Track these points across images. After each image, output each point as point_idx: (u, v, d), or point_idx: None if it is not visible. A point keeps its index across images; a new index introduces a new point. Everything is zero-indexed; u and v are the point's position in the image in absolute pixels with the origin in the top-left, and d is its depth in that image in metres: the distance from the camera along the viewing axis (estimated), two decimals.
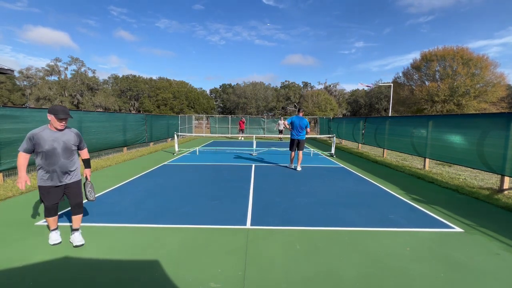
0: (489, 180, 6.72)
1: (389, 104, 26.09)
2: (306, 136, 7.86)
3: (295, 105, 50.74)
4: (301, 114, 7.84)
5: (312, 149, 13.21)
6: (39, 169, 2.84)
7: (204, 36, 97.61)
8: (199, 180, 6.36)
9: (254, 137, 12.56)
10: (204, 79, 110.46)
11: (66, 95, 48.61)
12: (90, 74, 53.01)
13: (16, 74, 47.42)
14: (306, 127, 7.61)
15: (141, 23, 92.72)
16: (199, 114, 47.97)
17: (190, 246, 3.10)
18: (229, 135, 21.64)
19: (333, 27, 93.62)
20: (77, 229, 3.06)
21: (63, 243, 3.06)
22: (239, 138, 20.05)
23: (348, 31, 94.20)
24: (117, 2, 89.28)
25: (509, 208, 4.64)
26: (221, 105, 63.85)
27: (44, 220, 3.51)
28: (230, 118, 24.02)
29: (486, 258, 2.95)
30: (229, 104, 55.05)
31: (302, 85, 60.09)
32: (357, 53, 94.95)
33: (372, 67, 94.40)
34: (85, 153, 3.18)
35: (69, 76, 51.18)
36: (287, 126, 7.84)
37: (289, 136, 8.02)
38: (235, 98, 52.89)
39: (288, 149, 8.21)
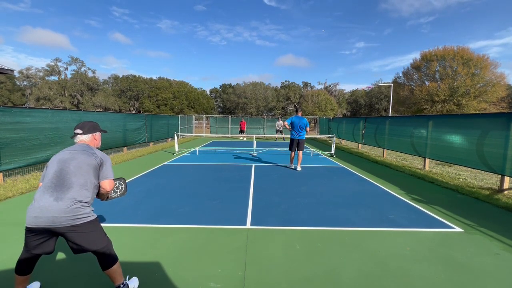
0: (489, 180, 6.72)
1: (389, 104, 26.09)
2: (306, 135, 7.87)
3: (295, 105, 50.72)
4: (299, 114, 7.86)
5: (312, 149, 13.21)
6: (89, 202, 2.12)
7: (205, 36, 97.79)
8: (199, 180, 6.36)
9: (254, 137, 12.57)
10: (201, 80, 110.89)
11: (66, 95, 48.60)
12: (90, 74, 53.05)
13: (16, 74, 47.42)
14: (306, 127, 7.63)
15: (143, 24, 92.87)
16: (199, 114, 47.96)
17: (190, 246, 3.10)
18: (229, 135, 21.65)
19: (334, 28, 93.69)
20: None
21: (61, 243, 3.04)
22: (241, 138, 20.07)
23: (349, 32, 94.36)
24: (119, 2, 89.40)
25: (509, 208, 4.64)
26: (221, 105, 63.82)
27: None
28: (230, 118, 24.03)
29: (486, 258, 2.95)
30: (229, 104, 55.01)
31: (302, 85, 60.10)
32: (358, 53, 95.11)
33: (372, 67, 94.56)
34: None
35: (69, 76, 51.22)
36: (287, 127, 7.86)
37: (289, 136, 8.03)
38: (235, 98, 52.86)
39: (288, 149, 8.22)
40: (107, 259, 2.07)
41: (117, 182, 2.52)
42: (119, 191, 2.56)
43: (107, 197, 2.36)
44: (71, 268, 2.63)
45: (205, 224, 3.72)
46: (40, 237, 1.94)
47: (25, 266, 2.03)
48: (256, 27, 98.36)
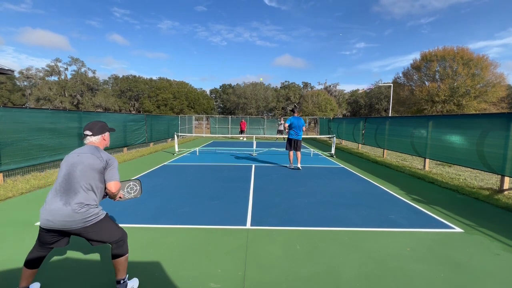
0: (489, 180, 6.72)
1: (389, 105, 26.10)
2: (303, 135, 7.97)
3: (295, 105, 50.77)
4: (296, 114, 7.94)
5: (312, 150, 13.21)
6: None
7: (206, 37, 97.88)
8: (199, 180, 6.36)
9: (254, 137, 12.57)
10: (201, 80, 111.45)
11: (66, 95, 48.58)
12: (90, 75, 53.04)
13: (16, 74, 47.41)
14: (303, 126, 7.77)
15: (143, 24, 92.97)
16: (199, 114, 47.94)
17: (190, 246, 3.10)
18: (230, 136, 21.65)
19: (334, 28, 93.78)
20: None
21: None
22: (241, 139, 20.07)
23: (349, 32, 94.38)
24: (120, 3, 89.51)
25: (509, 208, 4.64)
26: (221, 105, 63.82)
27: None
28: (230, 118, 24.02)
29: (486, 258, 2.95)
30: (229, 105, 54.97)
31: (302, 86, 60.11)
32: (358, 53, 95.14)
33: (372, 68, 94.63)
34: None
35: (69, 76, 51.20)
36: (286, 130, 7.97)
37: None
38: (235, 99, 52.82)
39: (285, 149, 8.26)
40: (120, 249, 2.18)
41: (131, 183, 2.60)
42: (134, 192, 2.62)
43: (120, 197, 2.41)
44: (71, 268, 2.63)
45: (205, 224, 3.72)
46: (54, 235, 2.05)
47: (35, 259, 2.09)
48: (257, 27, 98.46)
